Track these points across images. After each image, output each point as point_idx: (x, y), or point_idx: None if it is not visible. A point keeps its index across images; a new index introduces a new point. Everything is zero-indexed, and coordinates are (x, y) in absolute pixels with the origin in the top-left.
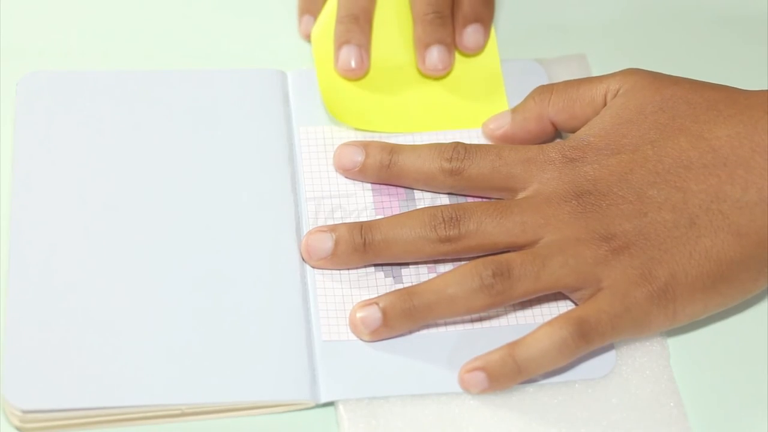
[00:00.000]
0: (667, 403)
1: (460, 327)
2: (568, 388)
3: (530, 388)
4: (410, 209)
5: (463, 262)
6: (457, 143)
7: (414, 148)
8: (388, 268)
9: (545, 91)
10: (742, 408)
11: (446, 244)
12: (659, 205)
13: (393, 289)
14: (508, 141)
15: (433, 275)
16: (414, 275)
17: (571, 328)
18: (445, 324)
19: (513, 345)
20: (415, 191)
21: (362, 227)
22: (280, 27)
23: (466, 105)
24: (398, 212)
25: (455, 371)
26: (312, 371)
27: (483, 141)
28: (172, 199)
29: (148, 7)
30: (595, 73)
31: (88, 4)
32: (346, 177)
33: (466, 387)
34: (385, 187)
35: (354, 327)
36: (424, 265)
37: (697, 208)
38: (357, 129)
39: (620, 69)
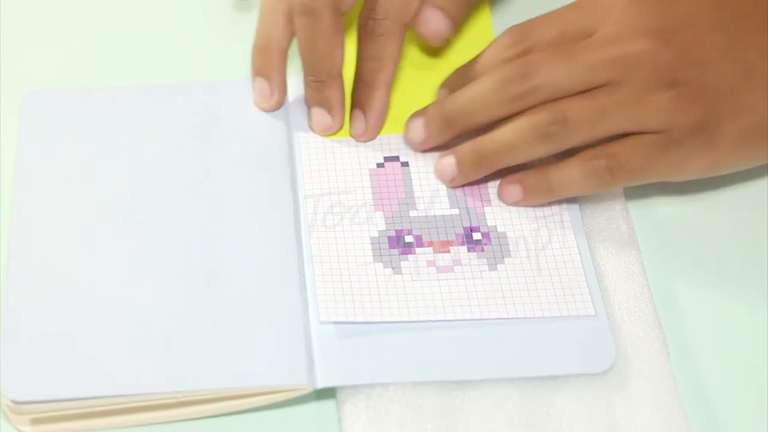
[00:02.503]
0: (667, 403)
1: (459, 315)
2: (568, 385)
3: (531, 383)
4: (409, 206)
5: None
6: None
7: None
8: (387, 259)
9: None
10: (742, 408)
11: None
12: (722, 54)
13: (391, 279)
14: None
15: (432, 269)
16: (413, 267)
17: (602, 161)
18: (444, 312)
19: (548, 167)
20: (414, 188)
21: (444, 102)
22: None
23: None
24: (397, 209)
25: (456, 359)
26: (309, 357)
27: None
28: (172, 200)
29: (149, 22)
30: None
31: (91, 22)
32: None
33: (503, 197)
34: (384, 183)
35: (437, 173)
36: (423, 258)
37: (755, 59)
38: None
39: None
